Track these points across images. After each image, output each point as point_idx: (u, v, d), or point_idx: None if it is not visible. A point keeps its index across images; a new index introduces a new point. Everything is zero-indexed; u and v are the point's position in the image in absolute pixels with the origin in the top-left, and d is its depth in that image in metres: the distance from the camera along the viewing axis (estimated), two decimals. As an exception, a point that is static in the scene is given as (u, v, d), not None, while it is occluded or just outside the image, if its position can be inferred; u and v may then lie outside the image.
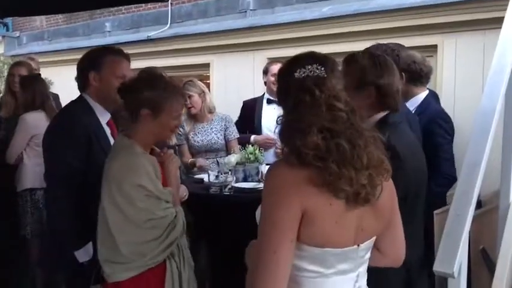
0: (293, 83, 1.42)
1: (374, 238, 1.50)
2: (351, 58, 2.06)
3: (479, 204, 4.00)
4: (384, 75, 2.00)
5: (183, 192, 3.13)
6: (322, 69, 1.41)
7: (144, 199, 2.01)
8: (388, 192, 1.47)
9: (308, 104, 1.37)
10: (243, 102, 4.50)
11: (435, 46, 4.51)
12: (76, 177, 2.18)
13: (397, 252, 1.60)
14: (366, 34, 4.79)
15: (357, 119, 1.40)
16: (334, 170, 1.31)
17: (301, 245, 1.36)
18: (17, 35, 9.83)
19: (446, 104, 3.56)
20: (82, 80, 2.42)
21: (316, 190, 1.32)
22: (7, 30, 9.89)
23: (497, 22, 4.10)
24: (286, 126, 1.42)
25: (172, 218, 2.09)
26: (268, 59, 5.55)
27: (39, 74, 4.30)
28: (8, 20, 9.69)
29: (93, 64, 2.39)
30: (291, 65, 1.47)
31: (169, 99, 2.08)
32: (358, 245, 1.43)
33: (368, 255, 1.50)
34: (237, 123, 4.36)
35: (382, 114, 2.02)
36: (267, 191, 1.38)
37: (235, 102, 4.79)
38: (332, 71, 1.43)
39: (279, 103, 1.54)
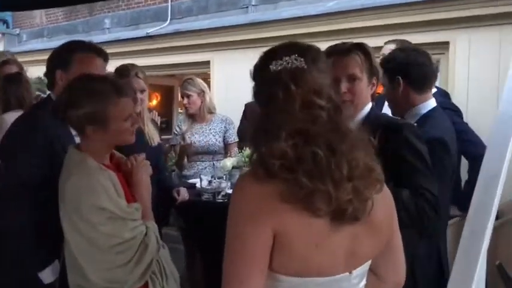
0: (267, 77, 1.20)
1: (369, 262, 1.28)
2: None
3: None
4: None
5: (184, 193, 2.98)
6: (302, 60, 1.18)
7: (107, 222, 1.76)
8: (384, 207, 1.23)
9: (281, 101, 1.15)
10: (245, 105, 4.22)
11: (447, 43, 4.24)
12: (38, 188, 1.94)
13: (398, 276, 1.37)
14: (373, 30, 4.53)
15: (341, 118, 1.18)
16: (305, 184, 1.08)
17: (276, 275, 1.14)
18: (17, 32, 9.66)
19: (458, 105, 3.29)
20: (49, 78, 2.18)
21: (290, 207, 1.10)
22: (7, 27, 9.72)
23: (514, 17, 3.86)
24: (254, 129, 1.20)
25: (142, 237, 1.84)
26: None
27: (18, 74, 4.08)
28: (8, 17, 9.53)
29: (60, 61, 2.15)
30: (266, 57, 1.24)
31: (111, 105, 1.81)
32: (351, 272, 1.20)
33: (363, 282, 1.27)
34: (240, 128, 4.10)
35: None
36: (231, 209, 1.16)
37: (236, 101, 4.55)
38: (314, 62, 1.20)
39: (255, 102, 1.30)
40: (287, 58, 1.18)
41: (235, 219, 1.14)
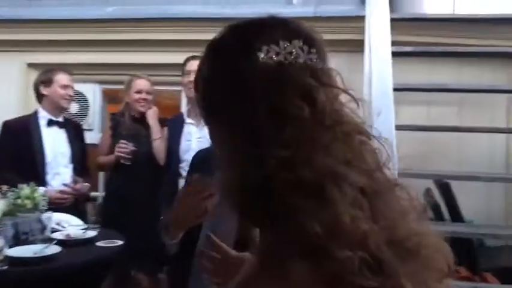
0: (257, 73, 0.65)
1: None
2: None
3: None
4: None
5: None
6: (313, 51, 0.68)
7: None
8: None
9: (308, 123, 0.62)
10: (5, 123, 2.99)
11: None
12: None
13: None
14: (174, 44, 3.92)
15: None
16: None
17: None
18: None
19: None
20: None
21: None
22: None
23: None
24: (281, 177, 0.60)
25: None
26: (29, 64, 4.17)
27: None
28: None
29: None
30: (245, 35, 0.69)
31: None
32: None
33: None
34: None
35: None
36: None
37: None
38: (326, 58, 0.70)
39: (206, 120, 0.74)
40: (287, 44, 0.66)
41: None
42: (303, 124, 0.61)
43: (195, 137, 2.91)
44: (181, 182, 2.85)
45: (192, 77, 2.88)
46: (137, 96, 3.15)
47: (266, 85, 0.64)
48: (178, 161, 2.92)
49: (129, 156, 3.03)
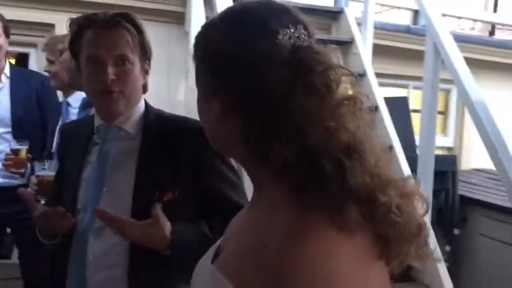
0: (278, 54, 0.72)
1: None
2: None
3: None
4: None
5: None
6: (311, 35, 0.79)
7: None
8: None
9: (332, 99, 0.71)
10: None
11: (52, 25, 3.61)
12: None
13: None
14: None
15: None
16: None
17: None
18: None
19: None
20: None
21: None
22: None
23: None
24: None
25: None
26: None
27: None
28: None
29: None
30: (263, 17, 0.75)
31: None
32: None
33: None
34: None
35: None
36: None
37: None
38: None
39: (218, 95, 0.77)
40: (292, 30, 0.73)
41: None
42: (329, 100, 0.69)
43: None
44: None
45: None
46: None
47: (292, 65, 0.70)
48: None
49: None
